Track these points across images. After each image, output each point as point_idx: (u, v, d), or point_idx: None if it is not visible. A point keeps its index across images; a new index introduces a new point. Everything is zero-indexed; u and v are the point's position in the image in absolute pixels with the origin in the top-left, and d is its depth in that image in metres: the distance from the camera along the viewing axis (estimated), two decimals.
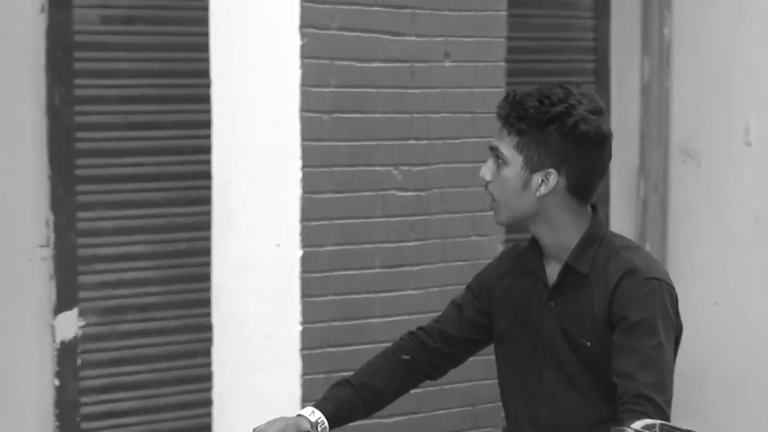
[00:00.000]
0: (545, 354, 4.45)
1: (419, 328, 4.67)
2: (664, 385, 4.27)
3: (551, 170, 4.31)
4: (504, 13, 5.97)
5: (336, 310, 5.49)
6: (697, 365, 7.87)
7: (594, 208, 4.48)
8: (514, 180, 4.32)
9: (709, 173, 7.98)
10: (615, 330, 4.30)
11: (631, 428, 4.14)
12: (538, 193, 4.33)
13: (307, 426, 4.41)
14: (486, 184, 4.40)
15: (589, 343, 4.36)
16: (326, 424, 4.46)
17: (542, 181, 4.31)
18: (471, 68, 5.87)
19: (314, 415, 4.45)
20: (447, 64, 5.81)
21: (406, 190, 5.72)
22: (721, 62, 7.90)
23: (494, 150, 4.36)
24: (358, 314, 5.44)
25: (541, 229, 4.42)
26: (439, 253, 5.80)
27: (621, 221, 8.03)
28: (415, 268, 5.73)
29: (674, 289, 4.39)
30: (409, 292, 5.73)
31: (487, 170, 4.38)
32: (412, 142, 5.73)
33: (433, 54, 5.77)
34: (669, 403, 4.31)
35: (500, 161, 4.34)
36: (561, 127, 4.30)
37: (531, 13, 7.70)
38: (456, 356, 4.70)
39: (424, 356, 4.63)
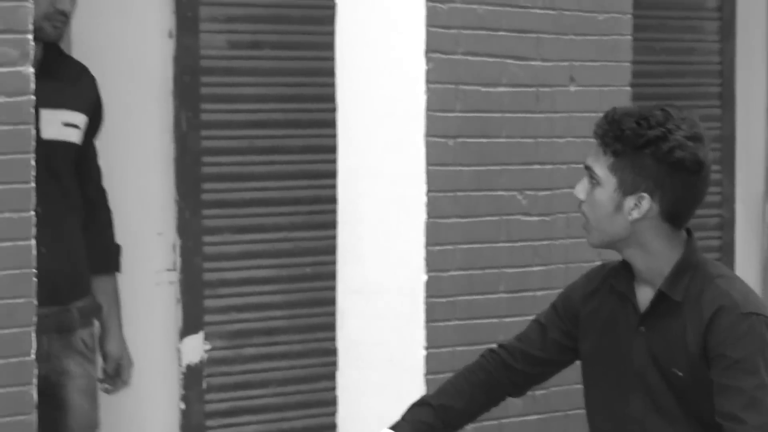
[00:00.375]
0: (634, 379, 4.42)
1: (500, 346, 4.67)
2: (765, 416, 4.20)
3: (644, 195, 4.25)
4: (629, 37, 5.96)
5: (460, 335, 5.48)
6: None
7: (689, 232, 4.41)
8: (607, 202, 4.28)
9: None
10: (712, 366, 4.23)
11: None
12: (630, 217, 4.29)
13: None
14: (580, 204, 4.36)
15: (681, 374, 4.30)
16: None
17: (635, 204, 4.26)
18: (596, 93, 5.85)
19: None
20: (572, 88, 5.80)
21: (531, 215, 5.71)
22: None
23: (589, 169, 4.31)
24: (483, 339, 5.40)
25: (633, 253, 4.38)
26: (563, 278, 5.76)
27: (746, 246, 7.98)
28: (539, 293, 5.71)
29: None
30: (534, 317, 5.71)
31: (581, 189, 4.34)
32: (536, 167, 5.72)
33: (558, 78, 5.77)
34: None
35: (594, 181, 4.30)
36: (656, 151, 4.25)
37: (656, 37, 7.68)
38: (539, 376, 4.71)
39: (506, 376, 4.63)
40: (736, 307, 4.25)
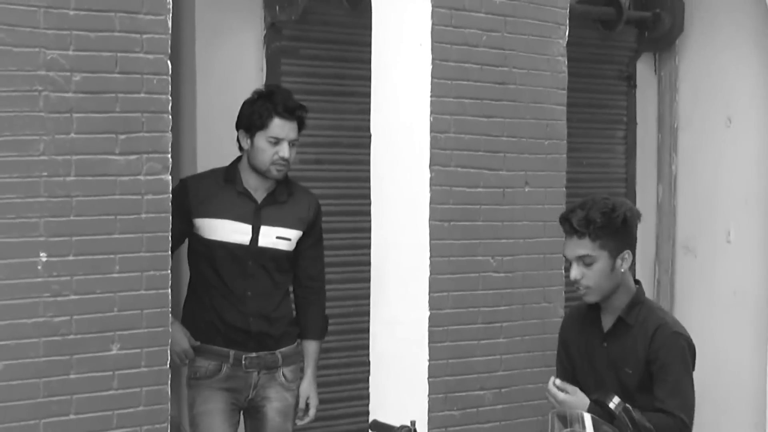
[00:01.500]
0: (597, 378, 4.45)
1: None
2: (688, 406, 4.27)
3: (626, 251, 4.33)
4: (565, 155, 5.90)
5: (452, 352, 5.44)
6: (696, 389, 7.74)
7: (637, 281, 4.52)
8: (606, 268, 4.34)
9: (702, 262, 7.89)
10: (652, 367, 4.29)
11: (612, 402, 4.21)
12: (621, 270, 4.35)
13: None
14: (577, 281, 4.36)
15: (630, 371, 4.38)
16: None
17: (622, 261, 4.33)
18: (542, 192, 5.77)
19: None
20: (527, 189, 5.74)
21: (499, 272, 5.63)
22: (710, 187, 7.83)
23: (581, 257, 4.33)
24: (466, 354, 5.37)
25: (618, 294, 4.40)
26: (520, 314, 5.71)
27: None
28: (504, 324, 5.65)
29: (691, 341, 4.38)
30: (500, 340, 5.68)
31: (576, 272, 4.39)
32: (503, 240, 5.63)
33: (516, 185, 5.70)
34: (690, 415, 4.28)
35: (587, 262, 4.31)
36: (624, 222, 4.37)
37: (582, 155, 7.63)
38: None
39: None
40: (668, 328, 4.39)
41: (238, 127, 5.15)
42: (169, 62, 4.53)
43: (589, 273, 4.36)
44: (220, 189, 5.09)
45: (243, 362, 5.06)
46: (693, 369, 4.41)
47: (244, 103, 5.17)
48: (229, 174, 5.11)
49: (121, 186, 4.45)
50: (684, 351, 4.34)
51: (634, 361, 4.36)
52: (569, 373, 4.64)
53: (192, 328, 5.12)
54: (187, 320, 5.19)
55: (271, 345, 5.16)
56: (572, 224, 4.36)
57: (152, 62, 4.49)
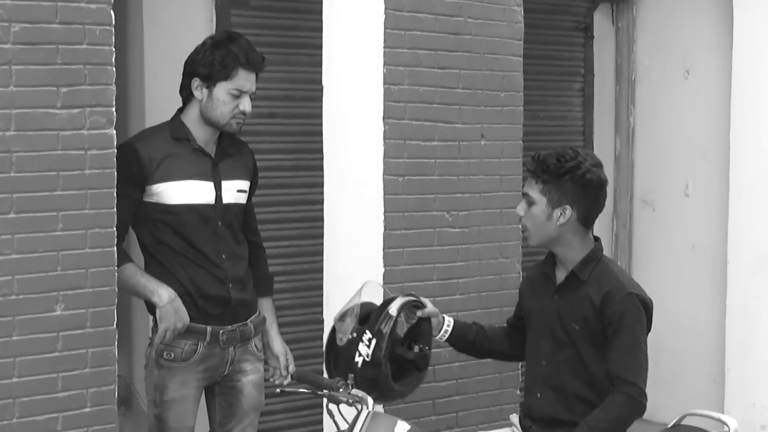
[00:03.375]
0: (546, 330, 4.43)
1: (506, 321, 4.81)
2: (641, 369, 4.29)
3: (567, 206, 4.29)
4: (521, 108, 5.84)
5: None
6: (653, 344, 7.71)
7: (596, 238, 4.46)
8: (541, 214, 4.34)
9: (660, 215, 7.85)
10: (606, 328, 4.28)
11: (393, 305, 4.43)
12: (558, 223, 4.30)
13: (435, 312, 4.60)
14: (520, 219, 4.39)
15: (577, 327, 4.34)
16: (452, 326, 4.65)
17: (561, 214, 4.28)
18: (498, 145, 5.74)
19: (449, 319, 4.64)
20: (483, 143, 5.68)
21: (454, 227, 5.59)
22: (668, 140, 7.78)
23: (525, 195, 4.37)
24: None
25: (558, 248, 4.41)
26: (477, 270, 5.69)
27: None
28: (460, 280, 5.63)
29: (647, 301, 4.34)
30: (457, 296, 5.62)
31: (520, 209, 4.41)
32: (458, 195, 5.60)
33: (473, 135, 5.64)
34: (644, 380, 4.29)
35: (530, 202, 4.31)
36: (573, 176, 4.28)
37: (539, 108, 7.56)
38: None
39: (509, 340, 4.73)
40: (623, 288, 4.31)
41: (190, 75, 4.68)
42: (112, 12, 4.37)
43: (529, 213, 4.34)
44: (172, 148, 4.64)
45: (220, 338, 4.72)
46: (649, 329, 4.35)
47: (198, 50, 4.69)
48: (177, 130, 4.68)
49: (63, 141, 4.29)
50: (638, 312, 4.29)
51: (582, 317, 4.31)
52: (521, 320, 4.61)
53: None
54: None
55: (243, 315, 4.79)
56: (527, 163, 4.37)
57: (95, 12, 4.33)
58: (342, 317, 4.49)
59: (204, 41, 4.69)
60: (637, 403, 4.22)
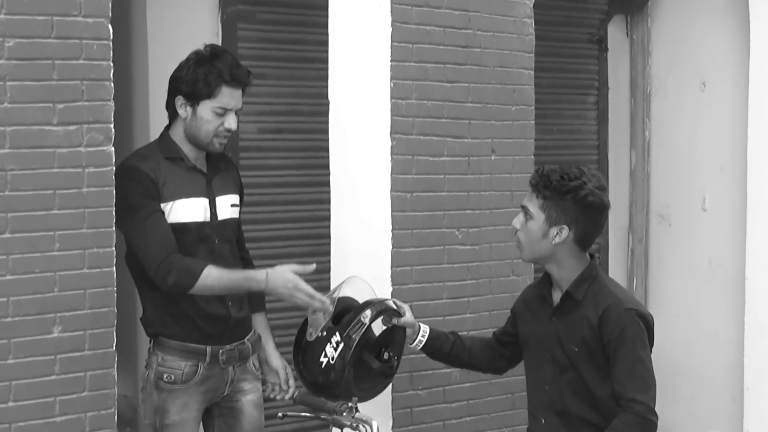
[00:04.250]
0: (546, 354, 4.31)
1: (493, 333, 4.68)
2: (647, 385, 4.17)
3: (564, 226, 4.18)
4: (533, 122, 5.75)
5: None
6: (670, 362, 7.67)
7: (592, 255, 4.33)
8: (537, 231, 4.23)
9: (676, 230, 7.73)
10: (606, 347, 4.19)
11: (368, 312, 4.38)
12: (553, 242, 4.20)
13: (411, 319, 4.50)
14: (515, 232, 4.27)
15: (576, 349, 4.22)
16: (427, 335, 4.56)
17: (557, 233, 4.18)
18: (510, 160, 5.65)
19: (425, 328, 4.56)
20: (493, 157, 5.59)
21: (465, 245, 5.49)
22: (684, 153, 7.67)
23: (524, 208, 4.28)
24: None
25: (552, 266, 4.29)
26: (488, 287, 5.62)
27: (616, 263, 7.79)
28: (471, 299, 5.54)
29: (647, 316, 4.23)
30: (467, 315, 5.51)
31: (517, 221, 4.31)
32: (468, 211, 5.51)
33: (483, 150, 5.55)
34: (652, 397, 4.17)
35: (528, 216, 4.20)
36: (575, 196, 4.16)
37: (553, 122, 7.47)
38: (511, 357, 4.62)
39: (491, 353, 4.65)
40: (620, 305, 4.18)
41: (174, 93, 4.58)
42: (110, 26, 4.29)
43: (525, 228, 4.23)
44: (167, 167, 4.54)
45: (220, 358, 4.62)
46: (651, 344, 4.21)
47: (182, 67, 4.58)
48: (168, 149, 4.58)
49: (60, 158, 4.21)
50: (637, 327, 4.16)
51: (581, 338, 4.20)
52: (510, 336, 4.51)
53: (160, 325, 4.58)
54: (151, 317, 4.62)
55: (241, 333, 4.71)
56: (531, 176, 4.27)
57: (92, 26, 4.24)
58: (315, 311, 4.40)
59: (188, 57, 4.56)
60: (645, 421, 4.08)
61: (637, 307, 4.24)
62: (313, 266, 4.43)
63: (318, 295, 4.40)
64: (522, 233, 4.26)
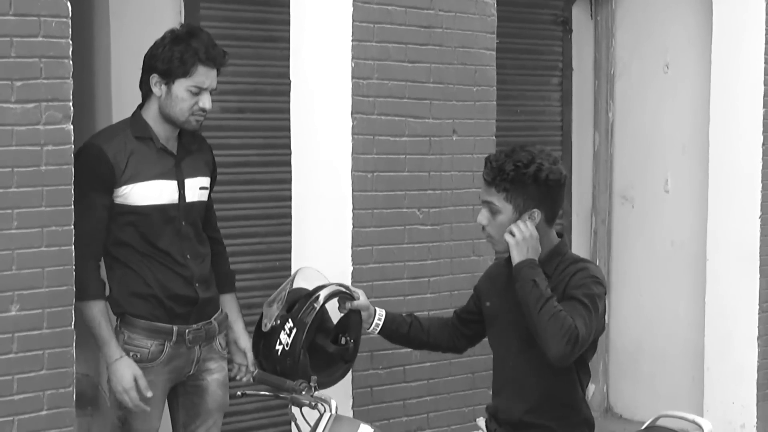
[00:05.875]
0: (510, 327, 4.32)
1: (454, 312, 4.68)
2: (586, 325, 4.05)
3: (535, 210, 4.19)
4: (494, 102, 5.75)
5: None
6: (633, 342, 7.71)
7: (561, 234, 4.35)
8: (509, 222, 4.19)
9: (639, 212, 7.78)
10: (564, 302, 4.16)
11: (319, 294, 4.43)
12: None
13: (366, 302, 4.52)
14: (483, 228, 4.25)
15: None
16: (383, 318, 4.56)
17: (529, 218, 4.17)
18: (471, 141, 5.66)
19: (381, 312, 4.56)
20: (454, 138, 5.60)
21: (425, 225, 5.51)
22: (647, 135, 7.70)
23: (487, 203, 4.22)
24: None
25: None
26: (449, 268, 5.62)
27: (579, 245, 7.81)
28: (432, 279, 5.54)
29: (604, 286, 4.21)
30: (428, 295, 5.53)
31: (483, 218, 4.28)
32: (429, 192, 5.52)
33: (444, 131, 5.56)
34: (584, 337, 4.06)
35: (493, 211, 4.18)
36: (537, 179, 4.15)
37: (516, 103, 7.48)
38: (467, 336, 4.63)
39: (452, 332, 4.65)
40: (588, 271, 4.21)
41: (149, 70, 4.57)
42: (68, 3, 4.26)
43: (494, 222, 4.21)
44: (135, 147, 4.53)
45: (186, 337, 4.58)
46: (602, 327, 4.22)
47: (157, 45, 4.57)
48: (140, 129, 4.56)
49: (18, 136, 4.18)
50: (598, 295, 4.17)
51: None
52: (472, 315, 4.52)
53: (126, 304, 4.57)
54: (119, 295, 4.59)
55: (209, 313, 4.69)
56: (484, 169, 4.22)
57: (50, 3, 4.21)
58: (271, 303, 4.44)
59: (164, 35, 4.56)
60: (577, 338, 4.05)
61: (603, 282, 4.25)
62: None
63: (141, 404, 4.48)
64: (492, 228, 4.22)
